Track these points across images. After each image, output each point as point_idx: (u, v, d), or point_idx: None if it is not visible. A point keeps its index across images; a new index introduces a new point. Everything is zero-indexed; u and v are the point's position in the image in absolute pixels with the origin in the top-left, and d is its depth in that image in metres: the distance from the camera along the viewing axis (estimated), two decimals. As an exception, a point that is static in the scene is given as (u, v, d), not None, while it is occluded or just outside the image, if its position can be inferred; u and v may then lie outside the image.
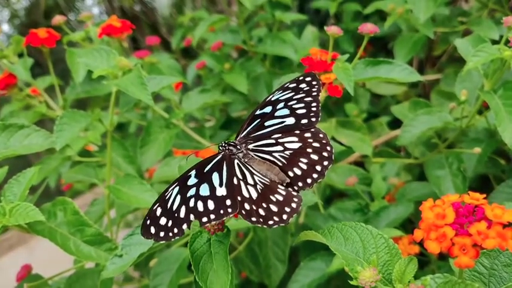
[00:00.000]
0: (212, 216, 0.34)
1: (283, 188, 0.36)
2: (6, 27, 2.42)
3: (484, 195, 0.31)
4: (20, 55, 0.66)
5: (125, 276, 0.80)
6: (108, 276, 0.40)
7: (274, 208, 0.35)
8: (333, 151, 0.38)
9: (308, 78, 0.41)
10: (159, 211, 0.34)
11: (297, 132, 0.39)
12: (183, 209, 0.34)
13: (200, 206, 0.34)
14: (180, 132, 0.68)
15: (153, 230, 0.34)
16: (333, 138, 0.69)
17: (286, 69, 0.97)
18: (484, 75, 0.54)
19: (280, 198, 0.36)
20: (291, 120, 0.40)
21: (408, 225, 0.70)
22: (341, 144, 0.67)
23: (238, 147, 0.39)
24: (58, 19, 0.68)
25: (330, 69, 0.49)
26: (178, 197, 0.35)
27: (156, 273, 0.48)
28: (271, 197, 0.36)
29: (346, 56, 0.51)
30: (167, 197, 0.35)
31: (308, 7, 1.24)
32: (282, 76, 0.52)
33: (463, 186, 0.59)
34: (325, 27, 0.50)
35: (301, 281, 0.59)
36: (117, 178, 0.58)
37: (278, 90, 0.41)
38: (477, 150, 0.60)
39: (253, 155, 0.39)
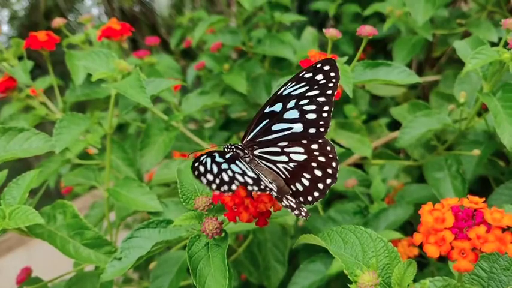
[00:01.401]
0: (255, 188, 0.33)
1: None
2: (5, 28, 2.42)
3: (483, 199, 0.31)
4: (20, 58, 0.66)
5: (124, 277, 0.80)
6: (108, 279, 0.40)
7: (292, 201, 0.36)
8: (338, 168, 0.36)
9: (326, 67, 0.37)
10: (208, 162, 0.33)
11: (304, 142, 0.37)
12: (224, 175, 0.33)
13: (240, 178, 0.33)
14: (179, 134, 0.68)
15: (202, 169, 0.32)
16: (332, 140, 0.69)
17: (286, 70, 0.97)
18: (483, 77, 0.54)
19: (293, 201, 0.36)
20: (298, 127, 0.38)
21: (408, 227, 0.70)
22: (340, 146, 0.67)
23: (245, 151, 0.38)
24: (58, 22, 0.68)
25: (329, 72, 0.49)
26: (214, 165, 0.34)
27: (155, 276, 0.48)
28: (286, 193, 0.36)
29: (345, 58, 0.51)
30: (203, 161, 0.33)
31: (307, 8, 1.24)
32: (281, 78, 0.52)
33: (462, 189, 0.59)
34: (324, 30, 0.50)
35: (301, 283, 0.59)
36: (117, 181, 0.58)
37: (292, 81, 0.38)
38: (476, 152, 0.61)
39: (259, 162, 0.38)
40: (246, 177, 0.34)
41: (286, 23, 1.00)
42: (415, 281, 0.34)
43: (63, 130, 0.49)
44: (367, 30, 0.48)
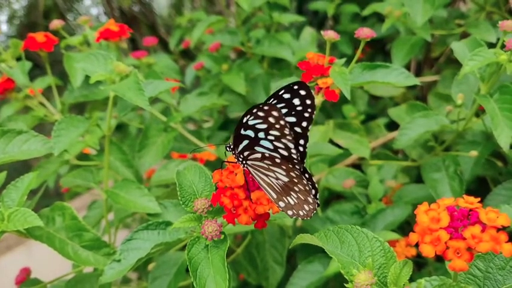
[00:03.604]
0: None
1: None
2: (4, 27, 2.42)
3: (479, 199, 0.32)
4: (19, 58, 0.66)
5: (123, 278, 0.81)
6: (107, 281, 0.40)
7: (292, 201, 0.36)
8: (317, 195, 0.36)
9: (302, 92, 0.34)
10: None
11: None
12: None
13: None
14: (177, 135, 0.68)
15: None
16: (331, 141, 0.69)
17: (284, 70, 0.97)
18: (481, 79, 0.54)
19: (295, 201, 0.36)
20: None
21: (406, 227, 0.70)
22: (338, 146, 0.67)
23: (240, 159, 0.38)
24: (56, 24, 0.68)
25: (326, 74, 0.49)
26: None
27: (154, 277, 0.48)
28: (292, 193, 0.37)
29: (343, 60, 0.51)
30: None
31: (306, 8, 1.24)
32: (279, 80, 0.52)
33: (459, 189, 0.60)
34: (322, 32, 0.50)
35: (299, 283, 0.59)
36: (115, 183, 0.58)
37: (273, 97, 0.36)
38: (473, 153, 0.61)
39: (253, 172, 0.37)
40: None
41: (285, 23, 1.00)
42: (413, 280, 0.34)
43: (62, 132, 0.50)
44: (365, 33, 0.49)
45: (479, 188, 0.76)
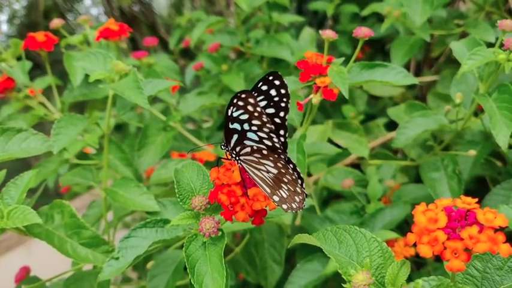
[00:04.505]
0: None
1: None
2: (5, 27, 2.42)
3: (476, 200, 0.32)
4: (19, 58, 0.66)
5: (123, 277, 0.81)
6: (105, 279, 0.40)
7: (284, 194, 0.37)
8: (304, 185, 0.36)
9: (277, 82, 0.35)
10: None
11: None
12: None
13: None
14: (177, 135, 0.68)
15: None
16: (330, 140, 0.69)
17: (283, 70, 0.97)
18: (479, 78, 0.55)
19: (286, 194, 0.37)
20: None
21: (405, 227, 0.70)
22: (338, 146, 0.67)
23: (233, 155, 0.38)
24: (56, 23, 0.68)
25: (325, 73, 0.49)
26: None
27: (152, 275, 0.48)
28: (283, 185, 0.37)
29: (342, 59, 0.51)
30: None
31: (306, 8, 1.25)
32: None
33: (458, 189, 0.60)
34: (320, 31, 0.50)
35: (297, 282, 0.59)
36: (114, 181, 0.58)
37: (254, 90, 0.36)
38: (472, 153, 0.61)
39: (246, 168, 0.38)
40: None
41: (285, 23, 1.00)
42: (412, 280, 0.34)
43: (61, 130, 0.50)
44: (363, 32, 0.49)
45: (479, 188, 0.76)
